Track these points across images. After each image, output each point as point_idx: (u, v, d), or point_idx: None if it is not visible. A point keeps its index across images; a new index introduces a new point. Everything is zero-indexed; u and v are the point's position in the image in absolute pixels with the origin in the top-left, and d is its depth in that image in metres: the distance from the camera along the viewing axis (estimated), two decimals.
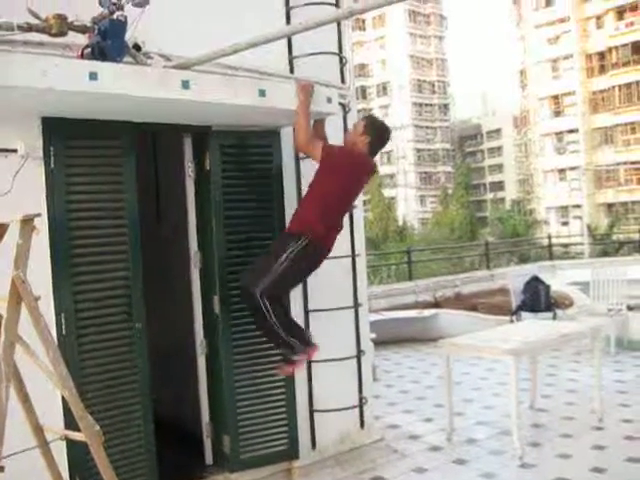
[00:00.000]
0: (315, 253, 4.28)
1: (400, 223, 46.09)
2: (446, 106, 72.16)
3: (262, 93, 4.10)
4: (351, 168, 4.35)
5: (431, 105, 70.23)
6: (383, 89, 69.52)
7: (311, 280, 4.96)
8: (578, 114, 50.15)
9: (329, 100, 4.46)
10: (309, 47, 4.98)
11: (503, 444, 5.77)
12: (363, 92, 65.17)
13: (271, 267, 4.15)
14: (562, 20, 51.04)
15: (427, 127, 69.73)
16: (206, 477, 4.83)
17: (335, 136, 4.92)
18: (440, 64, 71.52)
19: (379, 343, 8.55)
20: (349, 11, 3.35)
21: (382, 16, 67.26)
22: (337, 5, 5.03)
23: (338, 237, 4.53)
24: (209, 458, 5.02)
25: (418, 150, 68.43)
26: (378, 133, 4.47)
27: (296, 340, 4.29)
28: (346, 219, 5.23)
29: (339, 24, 5.29)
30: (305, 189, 4.76)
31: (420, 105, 69.35)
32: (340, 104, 4.94)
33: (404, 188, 65.88)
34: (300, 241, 4.16)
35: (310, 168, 4.52)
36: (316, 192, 4.32)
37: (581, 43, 49.68)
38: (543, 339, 6.02)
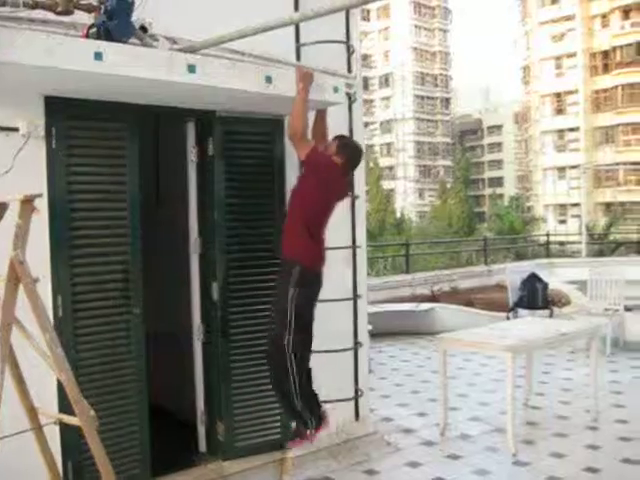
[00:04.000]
0: (311, 279, 4.24)
1: (398, 215, 46.03)
2: (448, 100, 71.96)
3: (268, 80, 4.05)
4: (331, 179, 4.31)
5: (433, 98, 70.02)
6: (385, 81, 69.29)
7: None
8: (580, 112, 50.05)
9: (336, 89, 4.42)
10: (316, 35, 4.92)
11: (497, 441, 5.76)
12: (365, 83, 64.79)
13: (285, 317, 4.14)
14: (567, 18, 50.84)
15: (428, 120, 69.54)
16: (199, 464, 4.79)
17: (339, 124, 4.90)
18: (443, 57, 71.24)
19: (374, 335, 8.52)
20: None
21: (387, 7, 66.96)
22: None
23: (340, 228, 4.51)
24: (203, 445, 4.99)
25: (418, 143, 68.26)
26: (351, 154, 4.42)
27: (309, 414, 4.30)
28: (348, 210, 5.22)
29: (348, 13, 5.23)
30: None
31: (422, 98, 69.15)
32: (346, 94, 4.88)
33: (403, 181, 65.81)
34: (294, 272, 4.14)
35: None
36: (298, 210, 4.26)
37: (586, 41, 49.51)
38: (542, 337, 6.00)
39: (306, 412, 4.30)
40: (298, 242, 4.21)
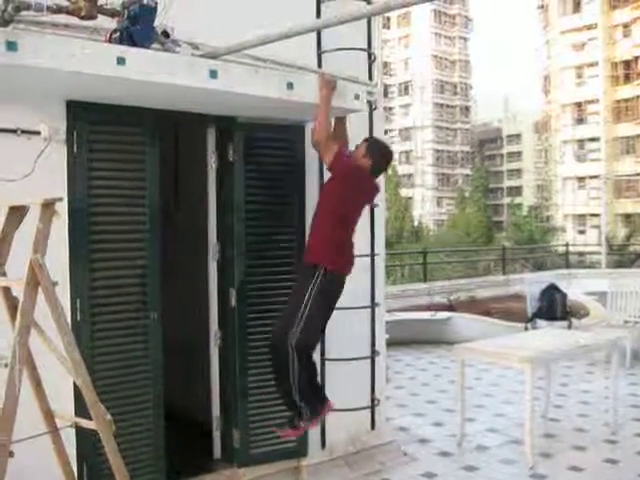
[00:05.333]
0: (333, 283, 4.18)
1: (416, 224, 45.95)
2: (467, 108, 71.80)
3: (290, 86, 4.04)
4: (359, 184, 4.27)
5: (452, 107, 69.89)
6: (405, 88, 69.25)
7: None
8: (600, 122, 49.71)
9: (357, 97, 4.40)
10: (338, 42, 4.91)
11: (514, 453, 5.71)
12: (385, 91, 64.58)
13: (297, 312, 4.06)
14: (589, 27, 50.57)
15: (447, 128, 69.41)
16: (214, 471, 4.78)
17: (359, 132, 4.88)
18: (463, 66, 71.13)
19: (391, 343, 8.48)
20: (386, 5, 3.26)
21: (407, 15, 66.94)
22: (369, 2, 4.96)
23: (359, 236, 4.48)
24: (217, 452, 4.98)
25: (437, 151, 68.13)
26: (380, 156, 4.39)
27: (307, 407, 4.19)
28: (367, 218, 5.19)
29: (369, 20, 5.21)
30: None
31: (441, 106, 69.05)
32: (367, 101, 4.86)
33: (421, 189, 65.67)
34: (317, 274, 4.07)
35: None
36: (325, 214, 4.22)
37: (607, 51, 49.21)
38: (561, 349, 5.94)
39: (303, 405, 4.18)
40: (325, 246, 4.16)
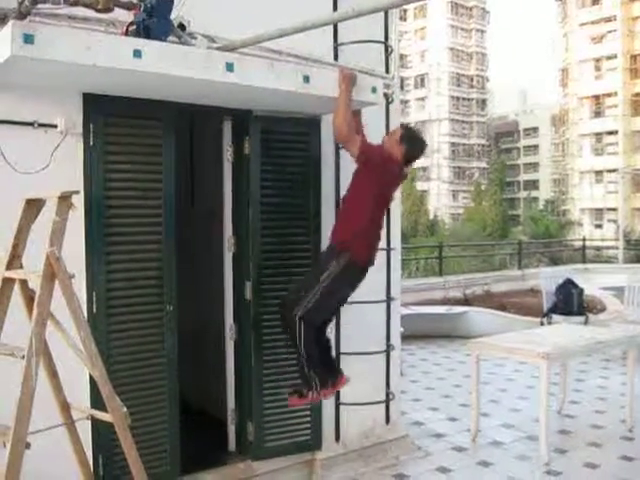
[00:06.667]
0: (355, 271, 4.14)
1: (431, 217, 45.81)
2: (484, 101, 71.42)
3: (306, 79, 4.01)
4: (387, 171, 4.21)
5: (468, 99, 69.56)
6: (421, 81, 69.00)
7: None
8: (619, 115, 49.30)
9: (374, 90, 4.35)
10: (354, 35, 4.88)
11: (529, 449, 5.68)
12: (401, 83, 64.44)
13: (313, 287, 4.03)
14: (608, 19, 50.13)
15: (463, 121, 69.11)
16: (228, 464, 4.79)
17: (376, 125, 4.85)
18: (480, 58, 70.73)
19: (405, 337, 8.46)
20: None
21: (423, 7, 66.62)
22: None
23: None
24: (232, 445, 4.99)
25: (453, 144, 67.88)
26: (414, 145, 4.30)
27: (316, 378, 4.15)
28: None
29: (386, 12, 5.18)
30: (343, 180, 4.70)
31: (457, 99, 68.75)
32: (384, 94, 4.83)
33: (437, 182, 65.47)
34: (341, 259, 4.03)
35: (349, 159, 4.39)
36: (355, 202, 4.17)
37: (626, 43, 48.76)
38: (577, 344, 5.89)
39: (312, 375, 4.15)
40: (353, 236, 4.09)
